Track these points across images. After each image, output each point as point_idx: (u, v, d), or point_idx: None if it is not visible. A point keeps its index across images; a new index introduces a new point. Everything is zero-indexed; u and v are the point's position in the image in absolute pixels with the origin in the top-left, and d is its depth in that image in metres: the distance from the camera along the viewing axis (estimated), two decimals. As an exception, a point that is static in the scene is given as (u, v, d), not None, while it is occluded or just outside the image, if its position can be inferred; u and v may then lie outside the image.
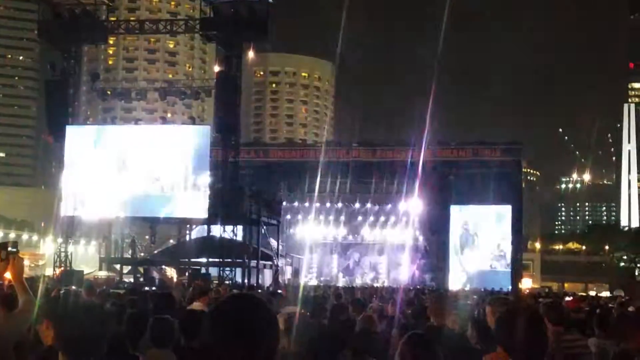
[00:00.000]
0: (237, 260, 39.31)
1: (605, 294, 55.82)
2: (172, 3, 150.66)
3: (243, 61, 42.35)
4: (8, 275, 5.21)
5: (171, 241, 50.95)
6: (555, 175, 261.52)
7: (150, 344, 6.34)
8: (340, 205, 58.26)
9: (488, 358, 4.17)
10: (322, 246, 60.92)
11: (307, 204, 57.66)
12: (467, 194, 53.51)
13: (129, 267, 45.03)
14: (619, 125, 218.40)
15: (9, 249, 5.08)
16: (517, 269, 57.26)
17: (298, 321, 6.47)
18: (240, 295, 2.69)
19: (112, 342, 3.82)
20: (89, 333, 3.56)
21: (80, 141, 41.84)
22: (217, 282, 33.80)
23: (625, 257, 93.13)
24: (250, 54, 47.51)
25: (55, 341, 3.77)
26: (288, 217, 57.26)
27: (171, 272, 43.55)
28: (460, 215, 55.27)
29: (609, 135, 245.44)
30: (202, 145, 40.68)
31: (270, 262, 46.51)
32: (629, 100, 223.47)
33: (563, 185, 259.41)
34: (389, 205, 57.17)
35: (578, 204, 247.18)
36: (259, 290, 24.63)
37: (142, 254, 47.61)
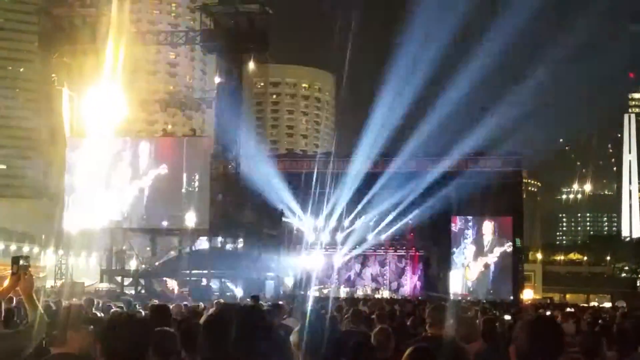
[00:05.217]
0: (239, 271, 39.27)
1: (607, 304, 55.63)
2: (173, 14, 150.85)
3: (243, 72, 42.43)
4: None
5: (172, 253, 50.80)
6: (556, 186, 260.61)
7: (152, 356, 6.28)
8: (341, 216, 58.13)
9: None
10: (323, 257, 60.80)
11: (308, 215, 57.57)
12: (467, 205, 53.48)
13: (130, 279, 44.90)
14: (619, 135, 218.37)
15: (21, 263, 5.04)
16: (519, 280, 57.15)
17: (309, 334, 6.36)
18: (232, 306, 2.65)
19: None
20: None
21: (81, 153, 41.88)
22: (218, 293, 33.76)
23: (626, 268, 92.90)
24: (251, 65, 47.50)
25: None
26: (289, 228, 57.11)
27: (172, 284, 43.45)
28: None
29: (610, 145, 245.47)
30: (203, 157, 40.72)
31: (271, 274, 46.42)
32: (630, 110, 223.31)
33: (564, 196, 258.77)
34: (390, 216, 57.00)
35: (579, 215, 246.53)
36: (260, 302, 24.52)
37: (143, 266, 47.51)
